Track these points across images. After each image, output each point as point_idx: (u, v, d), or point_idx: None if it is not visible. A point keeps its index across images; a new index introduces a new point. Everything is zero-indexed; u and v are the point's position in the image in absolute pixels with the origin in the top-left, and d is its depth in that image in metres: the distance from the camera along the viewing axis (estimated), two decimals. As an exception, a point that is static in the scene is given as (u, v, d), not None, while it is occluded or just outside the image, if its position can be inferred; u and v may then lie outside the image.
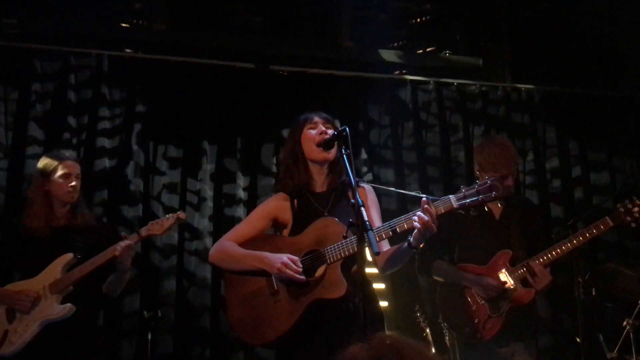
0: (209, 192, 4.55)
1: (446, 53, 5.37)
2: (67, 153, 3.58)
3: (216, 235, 4.38)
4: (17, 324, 3.23)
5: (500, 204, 3.54)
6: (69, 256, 3.31)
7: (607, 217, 3.37)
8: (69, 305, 3.23)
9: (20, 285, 3.31)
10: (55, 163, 3.45)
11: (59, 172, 3.42)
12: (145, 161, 4.51)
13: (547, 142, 5.27)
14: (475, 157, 3.59)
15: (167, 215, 3.42)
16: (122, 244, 3.24)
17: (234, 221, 4.39)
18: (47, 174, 3.44)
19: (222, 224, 4.48)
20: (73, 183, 3.42)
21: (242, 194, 4.59)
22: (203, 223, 4.48)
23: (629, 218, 3.33)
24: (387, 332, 1.11)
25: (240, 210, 4.52)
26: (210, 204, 4.54)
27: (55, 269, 3.29)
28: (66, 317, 3.22)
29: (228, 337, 4.25)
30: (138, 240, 3.34)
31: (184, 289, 4.37)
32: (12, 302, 3.25)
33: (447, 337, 3.81)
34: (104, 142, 4.45)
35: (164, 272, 4.36)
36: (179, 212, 3.45)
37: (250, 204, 4.53)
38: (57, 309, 3.22)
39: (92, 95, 4.51)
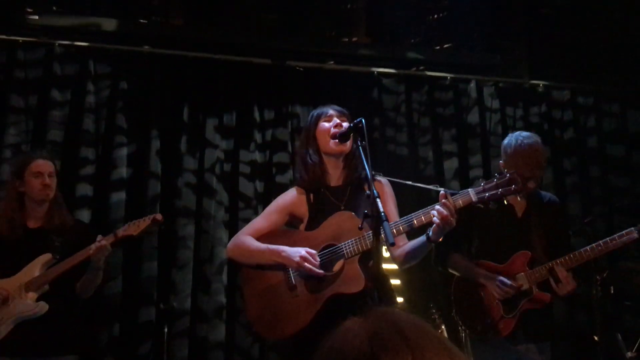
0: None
1: (464, 50, 5.35)
2: (39, 151, 3.54)
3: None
4: None
5: (523, 199, 3.33)
6: (48, 256, 3.31)
7: (633, 229, 3.18)
8: (42, 303, 3.24)
9: None
10: (26, 162, 3.41)
11: (31, 171, 3.37)
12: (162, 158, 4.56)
13: (564, 142, 5.24)
14: (502, 152, 3.36)
15: (144, 217, 3.34)
16: (97, 244, 3.22)
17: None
18: (19, 174, 3.40)
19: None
20: (46, 181, 3.38)
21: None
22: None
23: None
24: (386, 307, 1.04)
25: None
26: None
27: (33, 269, 3.29)
28: (38, 315, 3.23)
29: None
30: (114, 241, 3.27)
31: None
32: None
33: (462, 334, 3.77)
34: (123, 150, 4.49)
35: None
36: (155, 214, 3.36)
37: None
38: (30, 307, 3.24)
39: (110, 92, 4.53)
